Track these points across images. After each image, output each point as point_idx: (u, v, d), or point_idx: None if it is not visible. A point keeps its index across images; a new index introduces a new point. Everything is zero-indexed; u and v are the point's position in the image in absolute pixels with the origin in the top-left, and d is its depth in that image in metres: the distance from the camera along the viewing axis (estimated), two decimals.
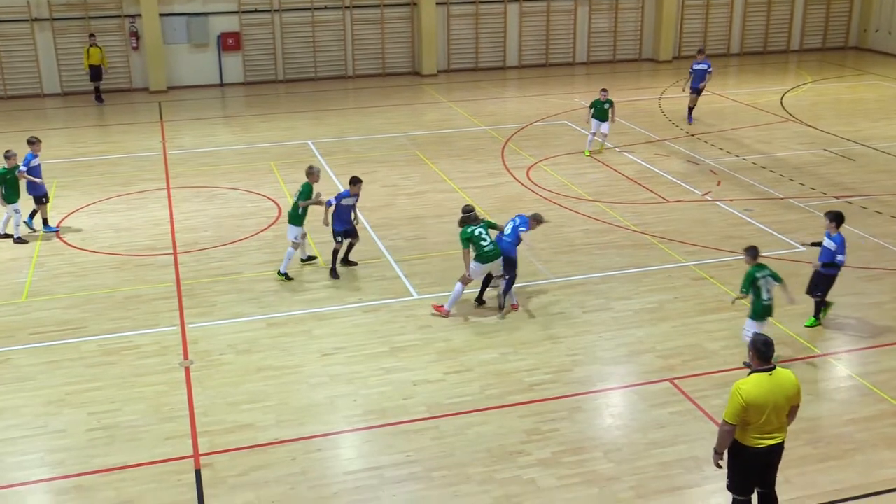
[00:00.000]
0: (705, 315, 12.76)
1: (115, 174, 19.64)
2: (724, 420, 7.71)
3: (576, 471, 9.34)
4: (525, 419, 10.26)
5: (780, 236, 15.59)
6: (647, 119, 23.95)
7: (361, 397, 10.74)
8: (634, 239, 15.54)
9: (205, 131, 23.36)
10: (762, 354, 7.64)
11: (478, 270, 12.63)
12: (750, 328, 10.94)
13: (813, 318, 12.43)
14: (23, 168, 15.71)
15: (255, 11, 28.56)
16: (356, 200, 14.12)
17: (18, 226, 15.79)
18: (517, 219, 13.18)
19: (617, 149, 21.05)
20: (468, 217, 12.66)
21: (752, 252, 11.10)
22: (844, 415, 10.34)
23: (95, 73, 26.32)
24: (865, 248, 15.02)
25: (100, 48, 26.30)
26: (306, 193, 13.95)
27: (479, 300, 13.14)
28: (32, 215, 16.33)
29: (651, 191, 18.02)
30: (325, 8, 29.12)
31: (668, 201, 17.46)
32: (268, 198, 17.86)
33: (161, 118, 24.70)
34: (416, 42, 30.08)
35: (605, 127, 20.24)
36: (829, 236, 12.04)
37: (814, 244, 12.62)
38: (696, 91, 23.16)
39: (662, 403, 10.56)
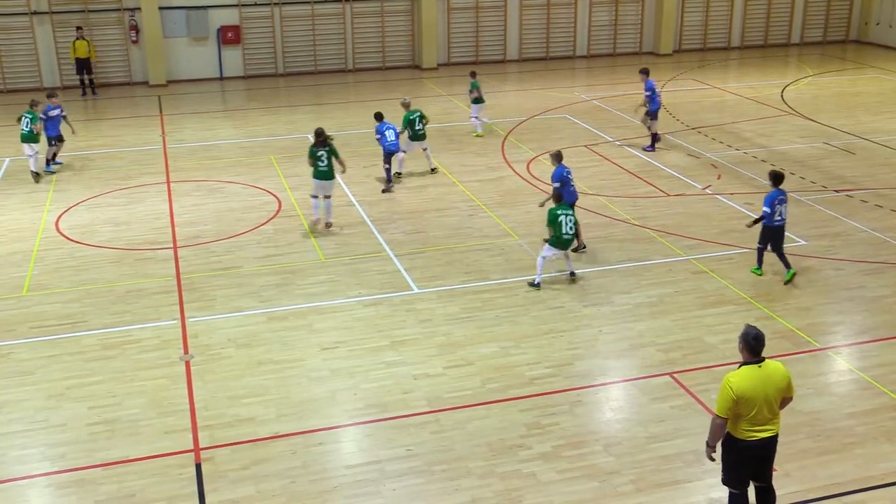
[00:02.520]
0: (705, 309, 12.76)
1: (114, 168, 19.64)
2: (715, 414, 7.73)
3: (576, 464, 9.35)
4: (526, 413, 10.27)
5: None
6: None
7: (362, 391, 10.76)
8: (635, 233, 15.54)
9: (205, 125, 23.35)
10: (751, 348, 7.63)
11: (314, 184, 15.65)
12: (547, 251, 13.41)
13: (755, 267, 13.85)
14: (42, 117, 19.11)
15: (255, 5, 28.52)
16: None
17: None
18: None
19: (617, 142, 21.03)
20: (319, 140, 15.37)
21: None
22: (844, 408, 10.34)
23: (82, 66, 26.24)
24: (865, 242, 15.02)
25: (87, 41, 26.22)
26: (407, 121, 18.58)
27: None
28: (49, 161, 19.55)
29: (651, 184, 18.01)
30: (325, 1, 29.09)
31: (669, 195, 17.45)
32: (268, 192, 17.85)
33: (161, 112, 24.68)
34: (417, 35, 30.04)
35: (473, 109, 21.88)
36: None
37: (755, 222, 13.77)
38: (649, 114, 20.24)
39: (663, 397, 10.56)
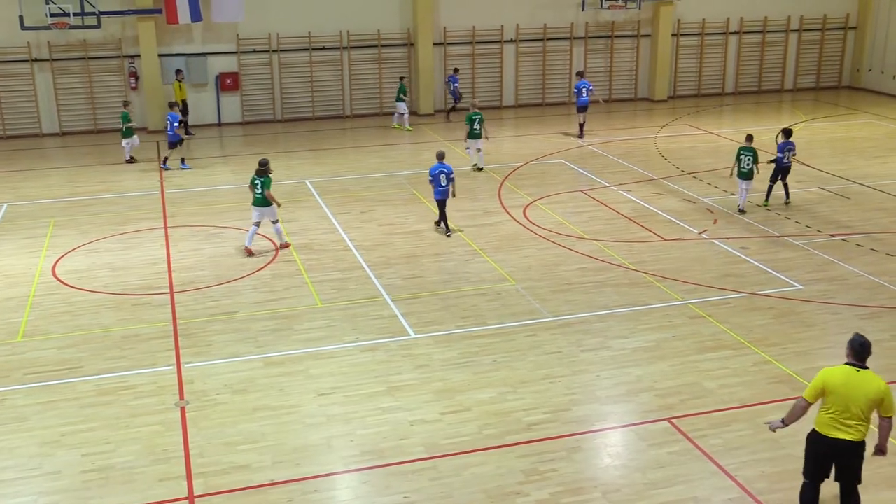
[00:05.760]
0: (703, 353, 12.73)
1: (112, 213, 19.68)
2: (801, 395, 8.42)
3: None
4: (523, 459, 10.19)
5: (776, 274, 15.61)
6: (643, 158, 24.09)
7: (358, 437, 10.68)
8: (631, 277, 15.55)
9: (203, 170, 23.45)
10: (856, 352, 8.36)
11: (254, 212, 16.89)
12: (740, 183, 19.06)
13: (765, 201, 19.54)
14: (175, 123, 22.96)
15: (254, 52, 28.81)
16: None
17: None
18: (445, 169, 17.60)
19: (613, 187, 21.14)
20: (263, 169, 16.60)
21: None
22: None
23: (186, 107, 27.13)
24: (861, 286, 15.03)
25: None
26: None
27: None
28: (165, 160, 23.47)
29: (648, 229, 18.07)
30: (323, 48, 29.40)
31: (665, 240, 17.50)
32: (265, 237, 17.87)
33: (159, 157, 24.78)
34: (413, 82, 30.30)
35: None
36: None
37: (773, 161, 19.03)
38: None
39: (661, 443, 10.50)
